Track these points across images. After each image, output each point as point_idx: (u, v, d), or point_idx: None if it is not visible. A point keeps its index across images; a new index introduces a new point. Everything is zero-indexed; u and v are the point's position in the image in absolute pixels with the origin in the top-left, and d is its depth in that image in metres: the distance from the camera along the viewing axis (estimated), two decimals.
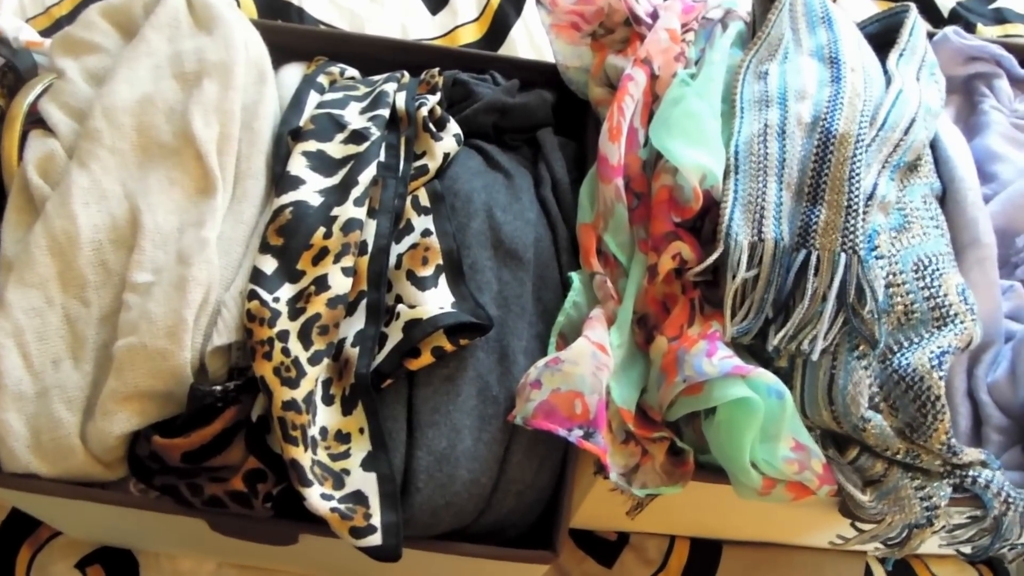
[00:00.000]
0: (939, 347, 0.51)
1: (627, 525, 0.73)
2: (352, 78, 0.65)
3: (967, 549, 0.54)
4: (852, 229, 0.52)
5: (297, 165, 0.54)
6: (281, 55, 0.64)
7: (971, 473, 0.52)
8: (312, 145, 0.56)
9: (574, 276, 0.55)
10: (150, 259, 0.51)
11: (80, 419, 0.50)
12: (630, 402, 0.52)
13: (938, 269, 0.54)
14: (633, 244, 0.56)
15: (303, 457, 0.46)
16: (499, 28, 0.91)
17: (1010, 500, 0.52)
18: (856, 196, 0.52)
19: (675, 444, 0.52)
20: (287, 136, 0.57)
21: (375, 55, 0.67)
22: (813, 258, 0.51)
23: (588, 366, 0.49)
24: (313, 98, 0.60)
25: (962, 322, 0.53)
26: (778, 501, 0.50)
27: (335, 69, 0.63)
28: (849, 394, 0.50)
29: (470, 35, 0.90)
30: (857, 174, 0.53)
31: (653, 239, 0.54)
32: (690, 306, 0.53)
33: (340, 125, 0.57)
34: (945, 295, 0.53)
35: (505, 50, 0.89)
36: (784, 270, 0.52)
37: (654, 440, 0.52)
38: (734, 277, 0.51)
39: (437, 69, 0.63)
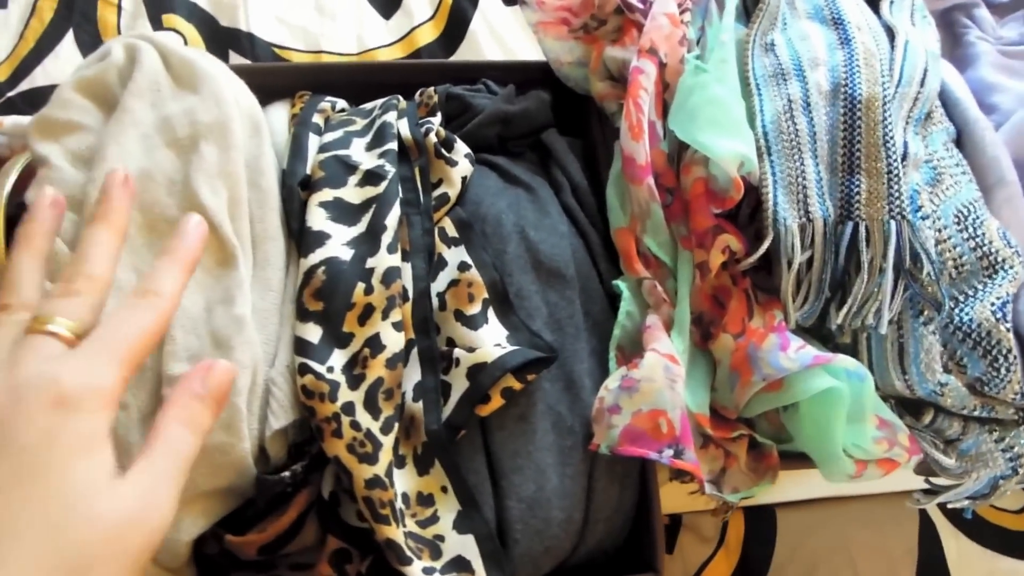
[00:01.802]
0: (998, 298, 0.51)
1: (678, 506, 0.72)
2: (344, 111, 0.61)
3: None
4: (897, 194, 0.51)
5: (317, 218, 0.51)
6: (260, 95, 0.59)
7: None
8: (327, 194, 0.52)
9: (621, 285, 0.54)
10: (183, 347, 0.48)
11: None
12: (703, 406, 0.51)
13: (978, 217, 0.54)
14: (674, 243, 0.54)
15: (397, 534, 0.44)
16: (457, 24, 0.87)
17: None
18: (895, 160, 0.51)
19: (754, 439, 0.51)
20: (297, 188, 0.53)
21: (360, 80, 0.63)
22: (862, 229, 0.50)
23: (664, 381, 0.47)
24: (313, 141, 0.56)
25: (1012, 267, 0.53)
26: (870, 479, 0.50)
27: (326, 105, 0.59)
28: (923, 362, 0.50)
29: (428, 35, 0.86)
30: (891, 137, 0.52)
31: (696, 235, 0.53)
32: (746, 297, 0.52)
33: (351, 167, 0.53)
34: (990, 242, 0.53)
35: (467, 45, 0.85)
36: (834, 246, 0.51)
37: (734, 439, 0.51)
38: (790, 263, 0.50)
39: (432, 88, 0.60)
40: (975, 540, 0.74)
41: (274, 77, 0.62)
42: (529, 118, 0.61)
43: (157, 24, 0.86)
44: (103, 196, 0.38)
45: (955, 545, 0.73)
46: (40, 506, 0.28)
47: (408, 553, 0.44)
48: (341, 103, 0.61)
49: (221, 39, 0.85)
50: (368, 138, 0.56)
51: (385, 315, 0.48)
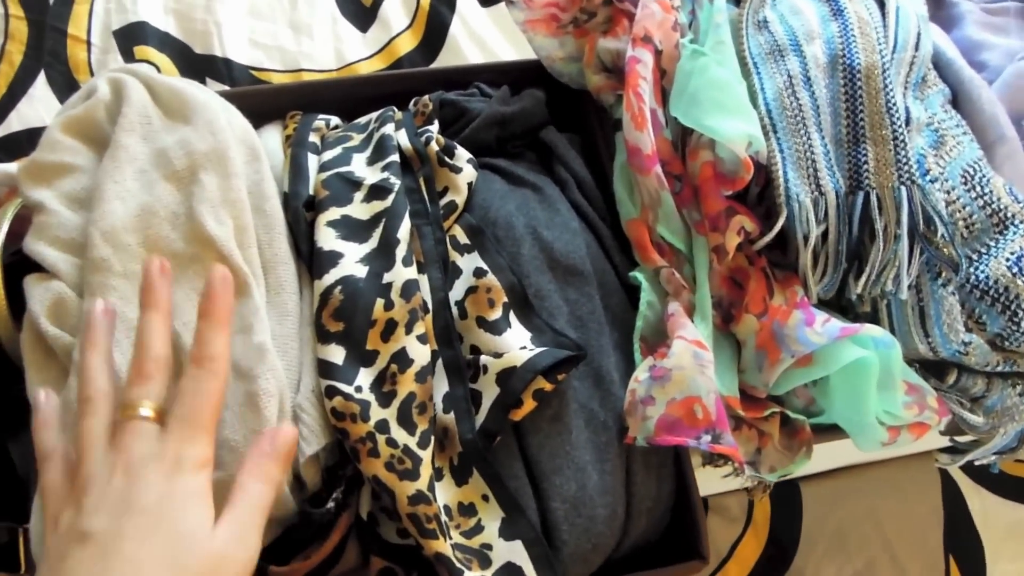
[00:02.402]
0: (1012, 252, 0.52)
1: (709, 490, 0.72)
2: (338, 127, 0.60)
3: None
4: (904, 160, 0.51)
5: (327, 238, 0.50)
6: (250, 119, 0.58)
7: None
8: (334, 212, 0.51)
9: (639, 276, 0.53)
10: None
11: None
12: (733, 388, 0.51)
13: (984, 175, 0.54)
14: (687, 229, 0.54)
15: (446, 548, 0.43)
16: (435, 30, 0.86)
17: None
18: (899, 126, 0.51)
19: (786, 416, 0.51)
20: (302, 209, 0.52)
21: (350, 95, 0.62)
22: (873, 198, 0.51)
23: (694, 367, 0.47)
24: (312, 161, 0.55)
25: (1021, 221, 0.53)
26: (903, 445, 0.50)
27: (320, 123, 0.58)
28: (945, 323, 0.50)
29: (407, 44, 0.86)
30: (893, 103, 0.52)
31: (709, 219, 0.52)
32: (764, 276, 0.52)
33: (354, 183, 0.53)
34: (999, 199, 0.53)
35: (447, 51, 0.85)
36: (848, 217, 0.51)
37: (766, 418, 0.51)
38: (806, 238, 0.50)
39: (427, 96, 0.59)
40: (997, 493, 0.74)
41: (262, 100, 0.61)
42: (526, 118, 0.61)
43: (129, 57, 0.84)
44: (146, 285, 0.43)
45: (979, 500, 0.74)
46: (162, 548, 0.36)
47: (458, 565, 0.43)
48: (335, 120, 0.61)
49: (197, 67, 0.83)
50: (368, 152, 0.56)
51: (409, 329, 0.47)
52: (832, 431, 0.53)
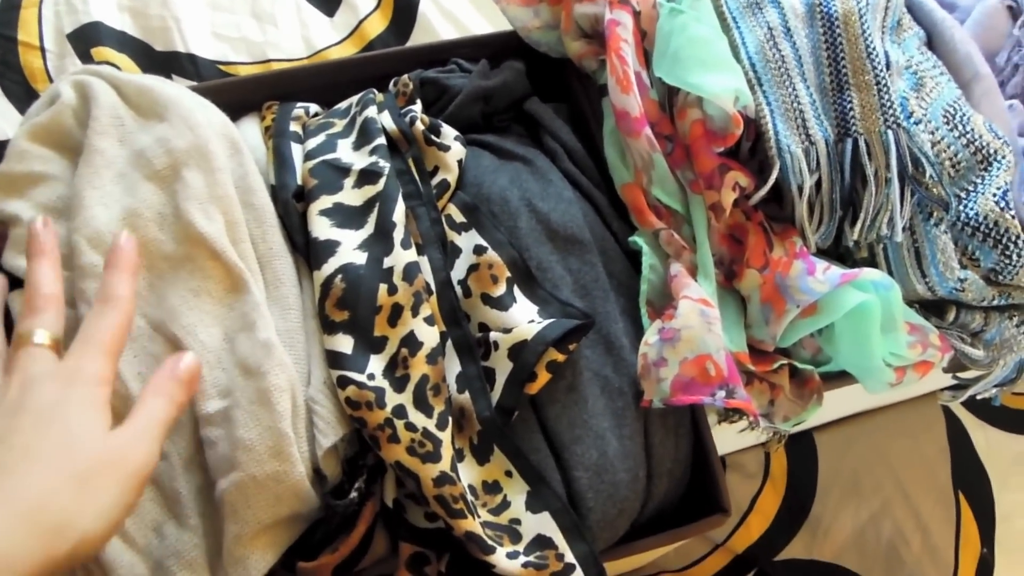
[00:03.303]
0: (998, 188, 0.52)
1: (726, 447, 0.73)
2: (318, 114, 0.59)
3: None
4: (889, 104, 0.51)
5: (322, 227, 0.49)
6: (225, 113, 0.57)
7: None
8: (326, 201, 0.51)
9: (639, 240, 0.53)
10: (212, 383, 0.46)
11: None
12: (741, 343, 0.52)
13: (964, 114, 0.55)
14: (682, 189, 0.54)
15: (475, 526, 0.43)
16: (404, 9, 0.85)
17: None
18: (881, 71, 0.52)
19: (794, 367, 0.52)
20: (292, 201, 0.51)
21: (326, 81, 0.61)
22: (862, 144, 0.51)
23: (702, 325, 0.47)
24: (296, 150, 0.54)
25: (1004, 156, 0.54)
26: (910, 384, 0.51)
27: (299, 111, 0.57)
28: (940, 262, 0.51)
29: (377, 26, 0.84)
30: (873, 48, 0.52)
31: (703, 177, 0.52)
32: (762, 230, 0.52)
33: (343, 169, 0.52)
34: (980, 136, 0.54)
35: (419, 29, 0.84)
36: (839, 165, 0.51)
37: (775, 371, 0.52)
38: (800, 188, 0.51)
39: (406, 76, 0.58)
40: (1000, 427, 0.76)
41: (236, 93, 0.59)
42: (508, 90, 0.60)
43: (87, 60, 0.82)
44: (30, 237, 0.44)
45: (983, 435, 0.76)
46: (53, 444, 0.36)
47: (490, 542, 0.43)
48: (314, 107, 0.59)
49: (160, 65, 0.81)
50: (352, 138, 0.55)
51: (415, 312, 0.47)
52: (840, 377, 0.53)
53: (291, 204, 0.51)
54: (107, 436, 0.37)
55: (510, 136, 0.59)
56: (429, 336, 0.47)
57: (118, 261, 0.43)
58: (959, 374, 0.58)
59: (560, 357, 0.47)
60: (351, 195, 0.51)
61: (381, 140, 0.53)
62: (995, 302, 0.53)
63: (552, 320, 0.47)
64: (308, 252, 0.50)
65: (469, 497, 0.45)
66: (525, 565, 0.43)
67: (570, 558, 0.44)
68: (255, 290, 0.48)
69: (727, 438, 0.56)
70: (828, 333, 0.51)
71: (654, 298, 0.52)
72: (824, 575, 0.72)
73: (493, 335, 0.48)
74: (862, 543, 0.72)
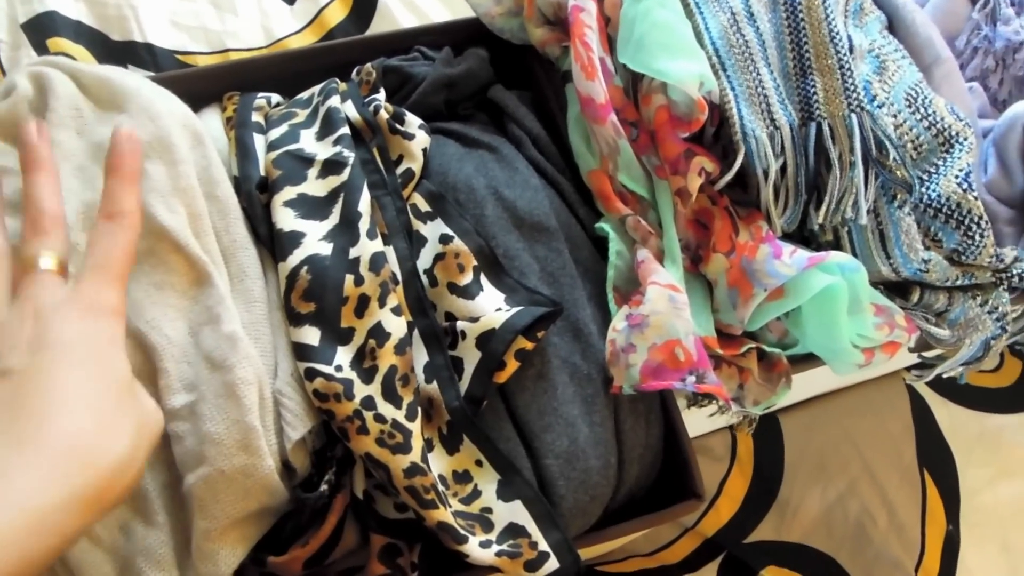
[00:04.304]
0: (960, 169, 0.53)
1: (695, 431, 0.74)
2: (279, 104, 0.58)
3: None
4: (852, 88, 0.52)
5: (286, 219, 0.49)
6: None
7: (1014, 271, 0.55)
8: (289, 192, 0.50)
9: (605, 226, 0.53)
10: (178, 378, 0.45)
11: (178, 574, 0.44)
12: (709, 328, 0.52)
13: (926, 97, 0.56)
14: (648, 175, 0.54)
15: (447, 516, 0.43)
16: None
17: None
18: (844, 55, 0.52)
19: (762, 350, 0.52)
20: (255, 191, 0.50)
21: (287, 70, 0.60)
22: (826, 128, 0.51)
23: (671, 311, 0.48)
24: (258, 141, 0.53)
25: (965, 138, 0.55)
26: (878, 365, 0.52)
27: (261, 101, 0.56)
28: (904, 243, 0.52)
29: (337, 14, 0.83)
30: (836, 32, 0.53)
31: (669, 163, 0.52)
32: (728, 215, 0.53)
33: (306, 160, 0.51)
34: (942, 118, 0.55)
35: (380, 18, 0.83)
36: (803, 149, 0.52)
37: (743, 355, 0.52)
38: (766, 172, 0.51)
39: (369, 64, 0.57)
40: (963, 404, 0.78)
41: (195, 83, 0.58)
42: (472, 78, 0.60)
43: (43, 51, 0.80)
44: (26, 149, 0.41)
45: (946, 413, 0.77)
46: (83, 378, 0.34)
47: (462, 532, 0.43)
48: (276, 97, 0.59)
49: (116, 55, 0.80)
50: (315, 128, 0.54)
51: (382, 302, 0.47)
52: (808, 360, 0.54)
53: (255, 195, 0.50)
54: (133, 382, 0.37)
55: (475, 124, 0.59)
56: (397, 326, 0.46)
57: (120, 166, 0.40)
58: (925, 354, 0.59)
59: (529, 345, 0.47)
60: (315, 186, 0.51)
61: (345, 130, 0.52)
62: (959, 282, 0.54)
63: (520, 308, 0.47)
64: (272, 244, 0.49)
65: (440, 487, 0.45)
66: (499, 554, 0.43)
67: (544, 546, 0.44)
68: (219, 283, 0.47)
69: (694, 422, 0.57)
70: (795, 316, 0.51)
71: (621, 284, 0.52)
72: (793, 556, 0.72)
73: (460, 324, 0.48)
74: (830, 523, 0.73)
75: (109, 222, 0.39)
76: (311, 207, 0.50)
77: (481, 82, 0.61)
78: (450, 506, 0.45)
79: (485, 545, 0.43)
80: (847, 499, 0.74)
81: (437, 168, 0.54)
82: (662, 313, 0.47)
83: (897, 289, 0.55)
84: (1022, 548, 0.74)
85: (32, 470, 0.31)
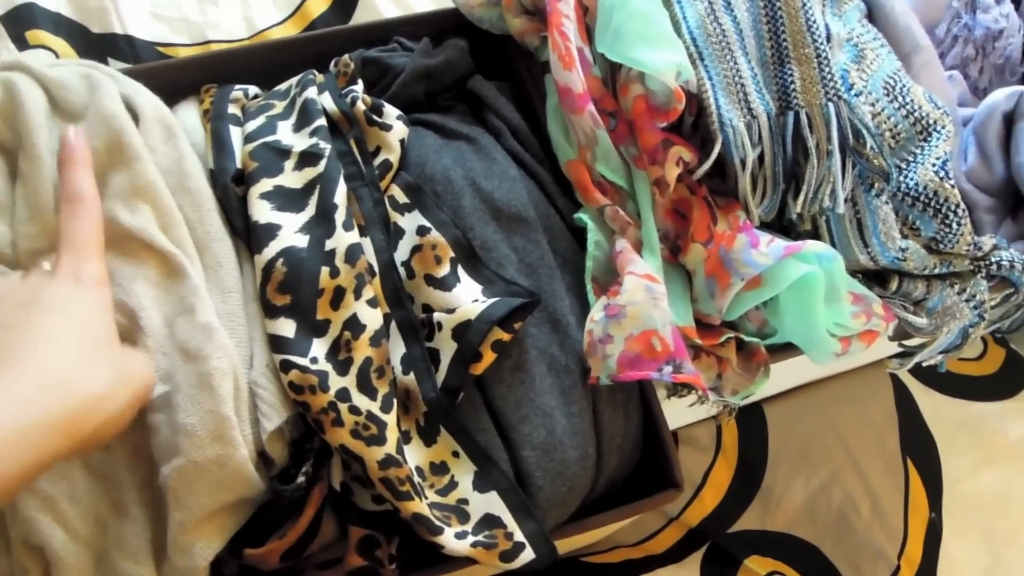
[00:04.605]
0: (937, 158, 0.53)
1: (677, 422, 0.74)
2: (257, 96, 0.58)
3: (1007, 324, 0.58)
4: (829, 77, 0.52)
5: (262, 211, 0.48)
6: (162, 98, 0.55)
7: (992, 259, 0.55)
8: (266, 184, 0.49)
9: (584, 217, 0.53)
10: (154, 369, 0.45)
11: (153, 567, 0.44)
12: (688, 318, 0.52)
13: (904, 85, 0.56)
14: (626, 165, 0.54)
15: (422, 508, 0.43)
16: None
17: None
18: (821, 44, 0.52)
19: (741, 340, 0.52)
20: (230, 184, 0.50)
21: (266, 62, 0.60)
22: (803, 117, 0.51)
23: (648, 301, 0.48)
24: (235, 133, 0.53)
25: (943, 126, 0.55)
26: (856, 353, 0.52)
27: (238, 94, 0.56)
28: (882, 232, 0.52)
29: (319, 5, 0.82)
30: (813, 21, 0.52)
31: (647, 152, 0.52)
32: (706, 205, 0.53)
33: (283, 151, 0.51)
34: (920, 107, 0.55)
35: (362, 8, 0.82)
36: (780, 138, 0.52)
37: (722, 344, 0.52)
38: (743, 162, 0.51)
39: (347, 56, 0.57)
40: (945, 393, 0.78)
41: (172, 75, 0.58)
42: (451, 69, 0.59)
43: (22, 43, 0.79)
44: (61, 147, 0.45)
45: (929, 401, 0.77)
46: (72, 326, 0.38)
47: (437, 523, 0.43)
48: (253, 90, 0.58)
49: (96, 47, 0.79)
50: (293, 119, 0.54)
51: (357, 294, 0.46)
52: (786, 349, 0.54)
53: (230, 187, 0.50)
54: (119, 343, 0.40)
55: (454, 115, 0.59)
56: (372, 318, 0.46)
57: (71, 156, 0.44)
58: (905, 342, 0.59)
59: (505, 336, 0.47)
60: (291, 177, 0.50)
61: (321, 121, 0.52)
62: (936, 270, 0.54)
63: (497, 299, 0.47)
64: (249, 236, 0.49)
65: (416, 479, 0.44)
66: (474, 544, 0.43)
67: (519, 536, 0.44)
68: (193, 274, 0.47)
69: (679, 412, 0.57)
70: (773, 305, 0.51)
71: (600, 274, 0.52)
72: (776, 545, 0.73)
73: (437, 316, 0.48)
74: (813, 512, 0.74)
75: (71, 204, 0.42)
76: (287, 199, 0.49)
77: (460, 73, 0.61)
78: (426, 498, 0.45)
79: (460, 536, 0.43)
80: (830, 488, 0.74)
81: (415, 160, 0.54)
82: (639, 303, 0.47)
83: (876, 278, 0.55)
84: (1004, 536, 0.74)
85: (9, 395, 0.34)
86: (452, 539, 0.43)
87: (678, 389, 0.52)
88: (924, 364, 0.58)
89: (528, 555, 0.43)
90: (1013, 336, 0.82)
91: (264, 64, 0.60)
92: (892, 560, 0.72)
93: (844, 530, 0.73)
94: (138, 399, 0.40)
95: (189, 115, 0.56)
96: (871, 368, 0.77)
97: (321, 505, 0.46)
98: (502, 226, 0.52)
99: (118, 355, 0.40)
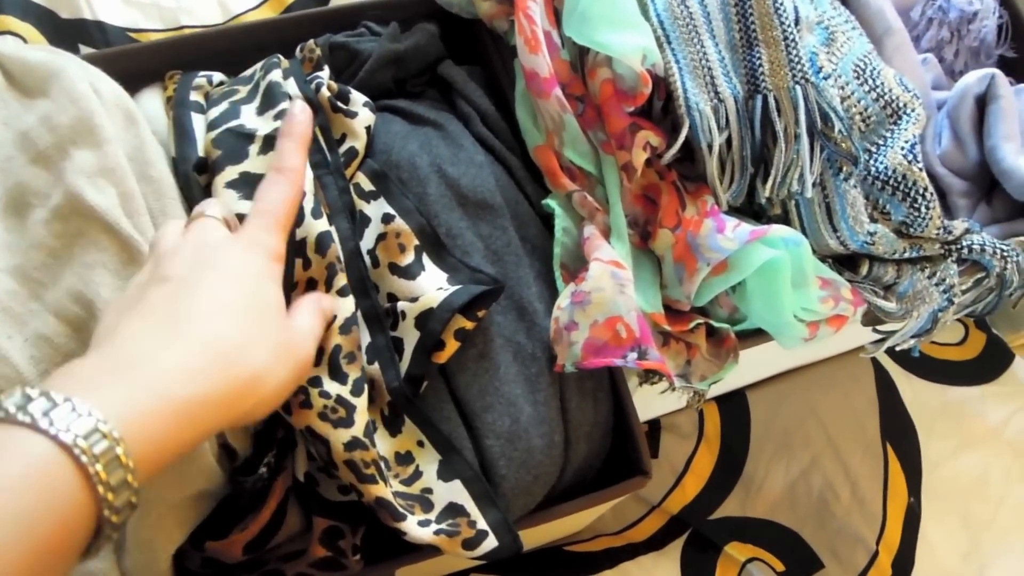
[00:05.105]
0: (906, 141, 0.53)
1: (655, 410, 0.74)
2: (222, 83, 0.57)
3: (980, 308, 0.58)
4: (797, 60, 0.51)
5: (229, 200, 0.48)
6: (125, 83, 0.55)
7: (964, 243, 0.55)
8: (231, 172, 0.49)
9: (552, 203, 0.53)
10: None
11: (113, 560, 0.44)
12: (656, 304, 0.51)
13: (875, 68, 0.55)
14: (595, 150, 0.54)
15: (386, 492, 0.43)
16: None
17: (1005, 254, 0.55)
18: (789, 26, 0.51)
19: (711, 326, 0.52)
20: (193, 174, 0.49)
21: (232, 47, 0.59)
22: (771, 100, 0.51)
23: (613, 287, 0.47)
24: (197, 120, 0.52)
25: (913, 109, 0.54)
26: (824, 338, 0.52)
27: (201, 80, 0.55)
28: (850, 216, 0.51)
29: None
30: (781, 4, 0.52)
31: (615, 137, 0.52)
32: (675, 190, 0.52)
33: (247, 136, 0.50)
34: (890, 90, 0.54)
35: None
36: (748, 122, 0.51)
37: (691, 330, 0.52)
38: (710, 146, 0.50)
39: (313, 41, 0.56)
40: (926, 378, 0.78)
41: (136, 60, 0.57)
42: (421, 54, 0.59)
43: None
44: (286, 118, 0.46)
45: (909, 386, 0.77)
46: (241, 294, 0.37)
47: (400, 510, 0.43)
48: (218, 76, 0.57)
49: (66, 33, 0.78)
50: (256, 102, 0.53)
51: (329, 285, 0.46)
52: (757, 335, 0.54)
53: (192, 177, 0.49)
54: (285, 314, 0.40)
55: (423, 101, 0.58)
56: (344, 307, 0.46)
57: (291, 130, 0.44)
58: (879, 327, 0.59)
59: (468, 324, 0.46)
60: (257, 163, 0.49)
61: (286, 104, 0.51)
62: (907, 254, 0.54)
63: (459, 287, 0.46)
64: None
65: (381, 465, 0.44)
66: (437, 532, 0.43)
67: (482, 524, 0.43)
68: None
69: (662, 400, 0.56)
70: (741, 290, 0.51)
71: (568, 261, 0.52)
72: (757, 532, 0.73)
73: (400, 304, 0.47)
74: (794, 498, 0.73)
75: (277, 175, 0.43)
76: (254, 186, 0.48)
77: (430, 58, 0.60)
78: (391, 486, 0.44)
79: (424, 524, 0.43)
80: (811, 474, 0.74)
81: (381, 147, 0.53)
82: (604, 290, 0.47)
83: (846, 262, 0.55)
84: (983, 520, 0.74)
85: (179, 363, 0.33)
86: (415, 526, 0.42)
87: (650, 376, 0.52)
88: (898, 348, 0.57)
89: (491, 543, 0.43)
90: (995, 321, 0.82)
91: (230, 49, 0.59)
92: (871, 546, 0.72)
93: (824, 516, 0.73)
94: (297, 376, 0.39)
95: (152, 102, 0.56)
96: (853, 354, 0.76)
97: (284, 496, 0.45)
98: (468, 213, 0.51)
99: (284, 329, 0.39)
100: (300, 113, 0.45)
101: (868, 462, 0.75)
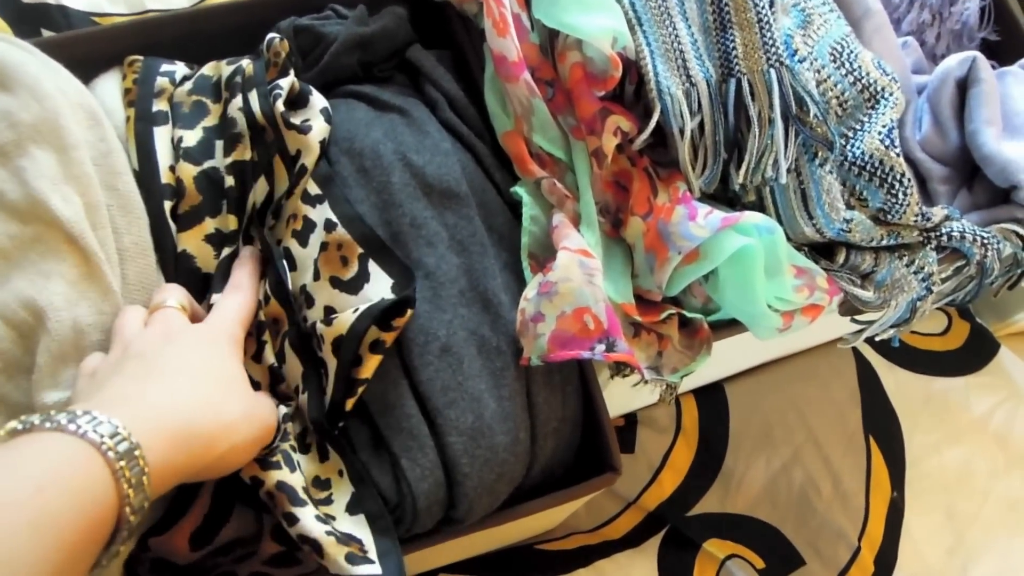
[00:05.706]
0: (884, 126, 0.51)
1: (629, 404, 0.72)
2: (186, 78, 0.54)
3: (960, 297, 0.57)
4: (771, 43, 0.50)
5: (206, 258, 0.48)
6: (82, 70, 0.53)
7: (943, 231, 0.54)
8: (209, 225, 0.48)
9: (520, 190, 0.51)
10: (50, 374, 0.43)
11: None
12: (627, 294, 0.50)
13: (852, 51, 0.54)
14: (564, 136, 0.52)
15: (291, 478, 0.41)
16: None
17: (985, 241, 0.54)
18: (763, 9, 0.50)
19: (684, 317, 0.51)
20: (168, 219, 0.48)
21: (195, 31, 0.57)
22: (745, 84, 0.49)
23: (581, 277, 0.46)
24: (160, 136, 0.50)
25: (891, 93, 0.53)
26: (799, 329, 0.50)
27: (163, 81, 0.52)
28: (826, 203, 0.50)
29: None
30: None
31: (585, 122, 0.50)
32: (647, 176, 0.51)
33: (220, 187, 0.49)
34: (868, 73, 0.53)
35: None
36: (722, 106, 0.49)
37: (663, 321, 0.50)
38: (682, 131, 0.49)
39: (277, 37, 0.54)
40: (909, 368, 0.76)
41: (95, 45, 0.55)
42: (388, 37, 0.57)
43: None
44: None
45: (892, 378, 0.76)
46: (205, 363, 0.41)
47: (303, 496, 0.42)
48: (181, 69, 0.55)
49: (28, 18, 0.75)
50: (224, 140, 0.50)
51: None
52: (732, 326, 0.52)
53: (168, 228, 0.48)
54: (250, 388, 0.42)
55: (389, 86, 0.56)
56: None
57: (243, 263, 0.48)
58: (858, 317, 0.58)
59: (387, 336, 0.44)
60: (227, 220, 0.49)
61: (241, 155, 0.49)
62: (884, 242, 0.52)
63: (369, 306, 0.44)
64: (176, 263, 0.48)
65: (294, 455, 0.44)
66: (328, 533, 0.41)
67: (372, 555, 0.42)
68: (115, 285, 0.45)
69: (625, 396, 0.55)
70: (714, 280, 0.49)
71: (537, 250, 0.50)
72: (737, 528, 0.71)
73: (319, 327, 0.45)
74: (774, 493, 0.72)
75: (235, 291, 0.46)
76: (225, 241, 0.49)
77: (398, 42, 0.58)
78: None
79: (320, 520, 0.41)
80: (791, 468, 0.73)
81: (344, 134, 0.51)
82: (572, 280, 0.45)
83: (823, 250, 0.53)
84: (966, 514, 0.73)
85: (165, 399, 0.37)
86: (310, 518, 0.41)
87: (620, 369, 0.51)
88: (877, 339, 0.56)
89: (373, 569, 0.41)
90: (979, 309, 0.81)
91: (193, 33, 0.57)
92: (852, 542, 0.71)
93: (805, 511, 0.72)
94: (263, 439, 0.41)
95: (109, 92, 0.53)
96: (834, 345, 0.75)
97: (228, 495, 0.44)
98: (433, 202, 0.50)
99: (249, 395, 0.42)
100: (250, 256, 0.48)
101: (850, 456, 0.74)
